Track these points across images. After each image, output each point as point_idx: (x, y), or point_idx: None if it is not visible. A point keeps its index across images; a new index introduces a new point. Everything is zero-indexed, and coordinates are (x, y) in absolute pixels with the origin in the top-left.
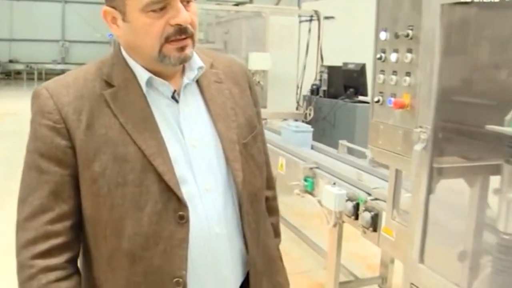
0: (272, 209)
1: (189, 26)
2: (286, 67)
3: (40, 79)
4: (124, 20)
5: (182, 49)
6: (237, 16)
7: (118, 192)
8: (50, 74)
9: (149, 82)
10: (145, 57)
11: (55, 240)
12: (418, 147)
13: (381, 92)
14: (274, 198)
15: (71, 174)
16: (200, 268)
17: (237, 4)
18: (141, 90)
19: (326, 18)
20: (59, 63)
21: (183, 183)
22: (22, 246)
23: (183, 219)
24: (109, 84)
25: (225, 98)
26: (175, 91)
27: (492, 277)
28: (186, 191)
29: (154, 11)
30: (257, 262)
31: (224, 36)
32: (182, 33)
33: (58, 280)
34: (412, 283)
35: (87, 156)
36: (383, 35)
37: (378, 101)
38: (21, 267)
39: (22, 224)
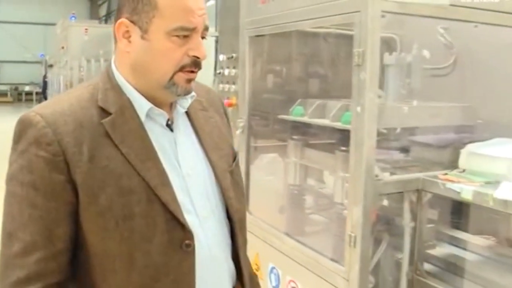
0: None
1: (202, 60)
2: (203, 81)
3: None
4: (143, 37)
5: (189, 81)
6: None
7: (126, 225)
8: None
9: (147, 112)
10: (150, 80)
11: (50, 279)
12: (238, 131)
13: None
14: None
15: (68, 211)
16: None
17: None
18: (139, 118)
19: None
20: None
21: (185, 212)
22: (12, 285)
23: (189, 247)
24: (106, 111)
25: (212, 127)
26: (168, 119)
27: (289, 214)
28: (189, 220)
29: (177, 36)
30: (246, 282)
31: None
32: (196, 65)
33: None
34: None
35: (92, 190)
36: (221, 57)
37: None
38: None
39: (12, 260)
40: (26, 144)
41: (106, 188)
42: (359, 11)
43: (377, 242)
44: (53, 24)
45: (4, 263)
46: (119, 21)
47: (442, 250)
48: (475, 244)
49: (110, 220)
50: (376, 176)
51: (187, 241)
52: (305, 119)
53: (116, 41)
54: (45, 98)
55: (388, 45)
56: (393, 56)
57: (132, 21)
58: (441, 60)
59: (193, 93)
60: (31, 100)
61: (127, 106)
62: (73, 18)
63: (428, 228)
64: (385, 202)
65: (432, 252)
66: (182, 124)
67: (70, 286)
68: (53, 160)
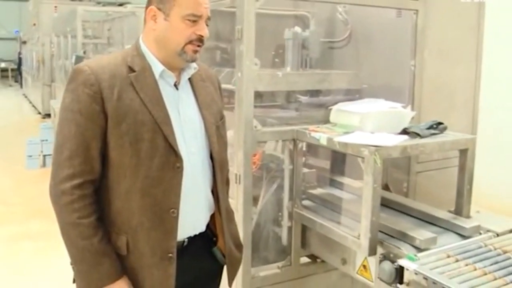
0: (228, 180)
1: (205, 39)
2: None
3: None
4: (165, 19)
5: (195, 52)
6: (117, 16)
7: (137, 146)
8: None
9: (160, 73)
10: (167, 50)
11: (87, 177)
12: None
13: None
14: (228, 172)
15: (100, 131)
16: (186, 205)
17: (121, 5)
18: (154, 77)
19: None
20: None
21: (179, 145)
22: (63, 179)
23: (179, 168)
24: (132, 69)
25: (206, 93)
26: (176, 81)
27: None
28: (180, 151)
29: (189, 20)
30: (222, 211)
31: (108, 32)
32: (200, 41)
33: (90, 204)
34: None
35: (117, 119)
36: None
37: None
38: (63, 193)
39: (62, 163)
40: (76, 84)
41: (126, 119)
42: None
43: (270, 184)
44: (27, 0)
45: (56, 165)
46: (149, 7)
47: (322, 190)
48: (350, 186)
49: (126, 141)
50: (255, 127)
51: (177, 164)
52: None
53: (145, 22)
54: (20, 75)
55: (302, 21)
56: (290, 31)
57: (158, 8)
58: (339, 34)
59: (196, 65)
60: (7, 76)
61: (147, 68)
62: None
63: (310, 172)
64: (278, 152)
65: (313, 191)
66: (185, 86)
67: (98, 183)
68: (94, 96)
